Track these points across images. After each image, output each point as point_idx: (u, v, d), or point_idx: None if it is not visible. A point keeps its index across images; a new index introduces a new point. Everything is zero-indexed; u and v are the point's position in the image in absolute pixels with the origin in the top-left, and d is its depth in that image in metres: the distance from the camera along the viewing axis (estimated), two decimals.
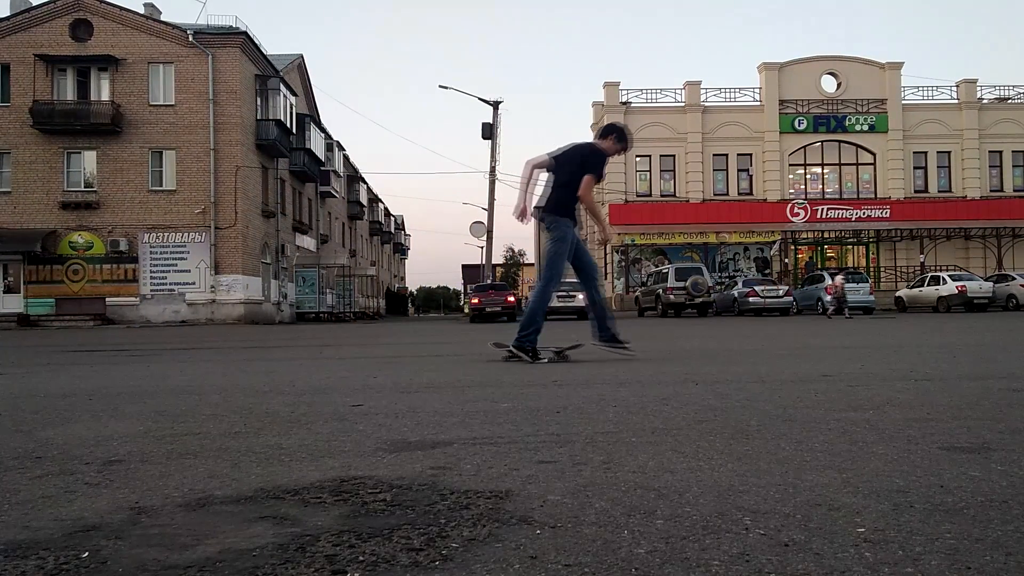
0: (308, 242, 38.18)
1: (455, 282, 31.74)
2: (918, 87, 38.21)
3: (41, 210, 28.23)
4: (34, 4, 29.61)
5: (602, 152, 5.91)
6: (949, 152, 37.97)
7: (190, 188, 28.54)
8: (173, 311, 28.20)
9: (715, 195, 37.54)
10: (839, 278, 21.62)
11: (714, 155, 37.75)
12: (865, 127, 37.57)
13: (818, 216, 36.40)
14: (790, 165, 37.90)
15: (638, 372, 5.08)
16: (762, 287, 25.79)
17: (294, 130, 33.57)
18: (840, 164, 38.19)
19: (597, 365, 5.57)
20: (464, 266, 78.59)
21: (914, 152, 37.90)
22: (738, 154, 37.83)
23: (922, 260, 36.59)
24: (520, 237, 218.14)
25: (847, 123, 37.46)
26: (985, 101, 38.14)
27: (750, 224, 36.58)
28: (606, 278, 40.03)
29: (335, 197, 43.25)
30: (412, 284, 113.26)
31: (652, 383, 4.29)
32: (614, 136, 5.91)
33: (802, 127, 37.39)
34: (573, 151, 5.93)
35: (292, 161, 34.36)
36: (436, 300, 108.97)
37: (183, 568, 1.36)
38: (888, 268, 37.65)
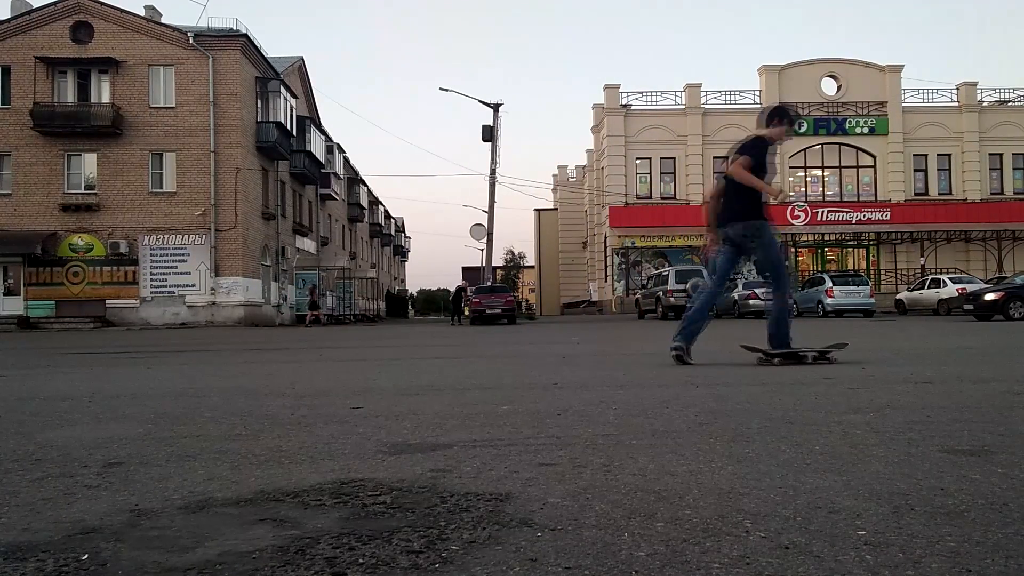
0: (308, 244, 38.17)
1: (455, 284, 31.87)
2: (918, 90, 38.26)
3: (41, 212, 28.21)
4: (34, 6, 29.64)
5: (762, 138, 5.70)
6: (949, 155, 37.97)
7: (190, 190, 28.54)
8: (173, 313, 28.18)
9: None
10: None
11: (714, 157, 37.68)
12: (865, 130, 37.59)
13: (818, 219, 36.39)
14: (790, 167, 37.90)
15: (639, 375, 5.08)
16: (762, 289, 25.70)
17: (294, 132, 33.55)
18: (840, 167, 38.19)
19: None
20: (464, 268, 78.66)
21: (914, 155, 37.90)
22: None
23: (922, 263, 36.59)
24: (520, 240, 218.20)
25: (847, 126, 37.48)
26: (985, 104, 38.14)
27: None
28: (606, 280, 40.03)
29: (335, 199, 43.23)
30: (412, 286, 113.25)
31: (652, 385, 4.29)
32: (777, 118, 5.72)
33: (802, 130, 37.36)
34: (730, 154, 5.78)
35: (292, 163, 34.34)
36: (436, 303, 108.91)
37: (183, 570, 1.35)
38: (888, 271, 37.64)
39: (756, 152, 5.56)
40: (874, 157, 37.84)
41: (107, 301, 28.14)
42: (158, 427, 3.04)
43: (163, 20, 31.14)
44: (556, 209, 53.73)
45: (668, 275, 25.56)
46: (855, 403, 3.35)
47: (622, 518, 1.62)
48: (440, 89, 35.59)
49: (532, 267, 64.54)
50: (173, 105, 28.76)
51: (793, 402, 3.41)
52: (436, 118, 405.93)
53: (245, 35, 29.18)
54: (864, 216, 36.51)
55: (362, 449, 2.47)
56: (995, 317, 17.61)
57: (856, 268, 36.94)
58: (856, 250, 39.14)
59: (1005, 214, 36.65)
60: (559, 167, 57.42)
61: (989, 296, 18.12)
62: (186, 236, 28.52)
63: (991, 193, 37.75)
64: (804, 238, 37.79)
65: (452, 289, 34.28)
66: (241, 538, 1.53)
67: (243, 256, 28.72)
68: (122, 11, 28.92)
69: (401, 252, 78.10)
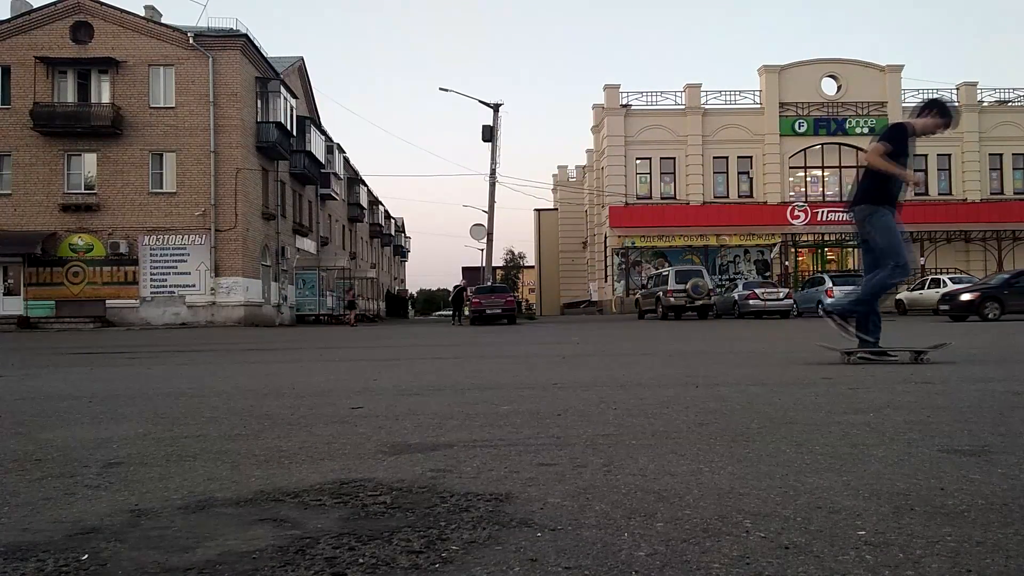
0: (308, 244, 38.15)
1: (455, 284, 31.91)
2: (918, 90, 38.22)
3: (41, 212, 28.21)
4: (35, 6, 29.63)
5: (902, 125, 5.78)
6: (949, 155, 37.98)
7: (190, 190, 28.53)
8: (173, 313, 28.18)
9: (715, 198, 37.54)
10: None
11: (714, 158, 37.75)
12: (865, 129, 37.56)
13: (818, 219, 36.40)
14: (790, 168, 37.90)
15: (639, 375, 5.09)
16: (762, 289, 25.78)
17: (294, 132, 33.53)
18: (840, 167, 38.17)
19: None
20: (464, 268, 78.64)
21: (914, 155, 37.85)
22: (738, 157, 37.83)
23: (922, 263, 36.59)
24: (520, 240, 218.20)
25: (847, 126, 37.48)
26: (985, 104, 38.16)
27: (750, 227, 36.58)
28: (606, 280, 40.02)
29: (335, 199, 43.21)
30: (412, 286, 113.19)
31: (653, 386, 4.29)
32: (930, 110, 5.73)
33: (802, 130, 37.41)
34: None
35: (292, 163, 34.33)
36: (436, 303, 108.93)
37: (183, 570, 1.35)
38: None
39: (895, 139, 5.64)
40: None
41: (107, 301, 28.13)
42: (158, 427, 3.04)
43: (163, 20, 31.13)
44: (556, 209, 53.72)
45: (668, 275, 25.54)
46: (855, 403, 3.35)
47: (622, 518, 1.62)
48: (440, 89, 35.56)
49: (532, 267, 64.52)
50: (173, 105, 28.76)
51: (793, 402, 3.41)
52: (436, 118, 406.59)
53: (245, 35, 29.17)
54: None
55: (362, 449, 2.47)
56: (970, 318, 17.55)
57: (856, 268, 36.90)
58: (856, 250, 39.08)
59: (1005, 214, 36.65)
60: (559, 167, 57.44)
61: (965, 296, 18.08)
62: (186, 236, 28.51)
63: (991, 193, 37.75)
64: (804, 238, 37.79)
65: (452, 289, 34.25)
66: (241, 538, 1.53)
67: (243, 256, 28.71)
68: (122, 11, 28.91)
69: (401, 252, 78.08)
